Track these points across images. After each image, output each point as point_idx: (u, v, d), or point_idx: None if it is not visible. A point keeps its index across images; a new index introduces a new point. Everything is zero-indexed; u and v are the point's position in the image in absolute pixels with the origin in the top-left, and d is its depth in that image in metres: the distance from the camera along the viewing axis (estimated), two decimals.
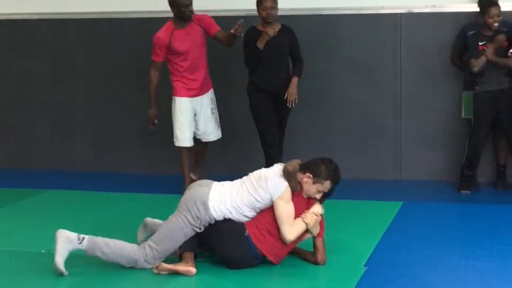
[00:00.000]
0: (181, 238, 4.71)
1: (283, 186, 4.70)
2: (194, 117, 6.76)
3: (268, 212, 4.75)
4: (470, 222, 5.86)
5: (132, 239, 4.97)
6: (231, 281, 4.59)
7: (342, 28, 7.35)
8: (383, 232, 5.50)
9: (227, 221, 4.74)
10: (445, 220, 6.02)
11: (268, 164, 6.09)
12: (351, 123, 7.45)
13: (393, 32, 7.23)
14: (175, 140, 6.78)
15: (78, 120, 8.11)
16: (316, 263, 4.80)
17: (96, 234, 4.79)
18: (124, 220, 5.90)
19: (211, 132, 6.89)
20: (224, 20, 6.90)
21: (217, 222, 4.75)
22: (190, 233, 4.72)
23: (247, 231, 4.72)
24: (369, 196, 6.58)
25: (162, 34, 6.58)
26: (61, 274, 4.57)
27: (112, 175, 7.78)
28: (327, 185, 4.77)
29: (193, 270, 4.64)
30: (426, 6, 7.13)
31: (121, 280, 4.64)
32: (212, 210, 4.72)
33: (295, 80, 6.65)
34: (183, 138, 6.74)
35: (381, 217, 5.90)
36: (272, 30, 6.44)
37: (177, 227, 4.71)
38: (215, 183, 4.91)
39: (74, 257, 4.74)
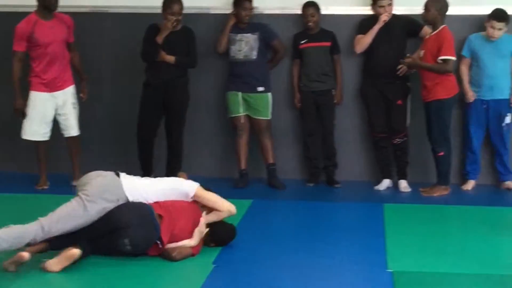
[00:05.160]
0: (81, 224, 4.69)
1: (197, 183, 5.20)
2: (54, 112, 6.77)
3: (172, 201, 5.04)
4: (316, 219, 6.05)
5: None
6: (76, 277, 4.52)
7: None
8: None
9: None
10: (293, 217, 6.23)
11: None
12: (205, 122, 7.52)
13: None
14: (22, 133, 6.79)
15: None
16: (171, 258, 4.85)
17: None
18: None
19: (73, 127, 6.90)
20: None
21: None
22: (95, 218, 4.71)
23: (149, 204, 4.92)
24: (219, 194, 6.65)
25: (24, 23, 6.57)
26: None
27: None
28: None
29: (25, 254, 4.55)
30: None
31: None
32: (128, 194, 4.85)
33: (171, 57, 6.80)
34: (31, 131, 6.77)
35: None
36: (170, 23, 6.64)
37: (79, 213, 4.67)
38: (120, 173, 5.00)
39: None
